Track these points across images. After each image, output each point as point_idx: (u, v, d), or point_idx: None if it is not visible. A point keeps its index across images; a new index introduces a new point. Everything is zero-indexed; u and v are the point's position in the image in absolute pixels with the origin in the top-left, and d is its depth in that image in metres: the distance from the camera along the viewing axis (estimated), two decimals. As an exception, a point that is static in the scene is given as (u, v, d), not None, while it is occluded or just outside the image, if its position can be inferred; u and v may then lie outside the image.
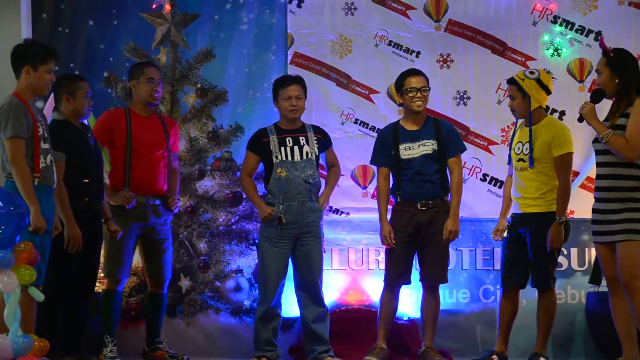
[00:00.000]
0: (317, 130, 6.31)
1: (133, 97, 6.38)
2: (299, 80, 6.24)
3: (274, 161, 6.11)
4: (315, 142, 6.22)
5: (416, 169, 6.07)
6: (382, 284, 6.18)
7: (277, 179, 6.09)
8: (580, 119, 5.40)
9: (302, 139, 6.18)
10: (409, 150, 6.10)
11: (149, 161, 6.20)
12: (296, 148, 6.14)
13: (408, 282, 6.18)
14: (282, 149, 6.13)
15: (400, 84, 6.17)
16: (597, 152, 5.41)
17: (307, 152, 6.15)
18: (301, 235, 6.11)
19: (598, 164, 5.41)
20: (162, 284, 6.33)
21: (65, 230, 5.60)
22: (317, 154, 6.21)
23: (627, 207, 5.23)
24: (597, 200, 5.40)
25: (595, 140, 5.38)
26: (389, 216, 6.17)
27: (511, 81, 6.04)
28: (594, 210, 5.41)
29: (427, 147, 6.09)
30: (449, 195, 6.13)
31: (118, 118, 6.20)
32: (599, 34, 7.12)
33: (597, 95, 5.40)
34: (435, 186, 6.08)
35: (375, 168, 6.39)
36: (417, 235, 6.07)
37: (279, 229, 6.08)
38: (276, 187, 6.10)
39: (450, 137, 6.17)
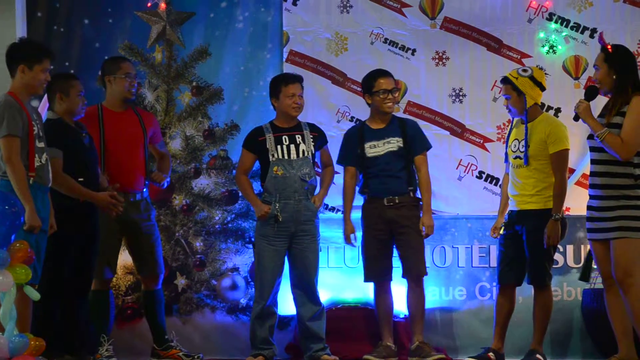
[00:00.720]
0: (313, 128, 6.33)
1: (107, 93, 6.27)
2: (300, 79, 6.28)
3: (271, 159, 6.11)
4: (312, 140, 6.24)
5: (381, 166, 6.15)
6: (367, 283, 6.31)
7: (274, 177, 6.10)
8: (576, 118, 5.38)
9: (299, 137, 6.19)
10: (374, 149, 6.20)
11: (125, 158, 6.14)
12: (292, 146, 6.15)
13: (389, 278, 6.24)
14: (279, 147, 6.13)
15: (369, 85, 6.22)
16: (592, 149, 5.39)
17: (303, 151, 6.16)
18: (297, 233, 6.12)
19: (593, 161, 5.39)
20: (156, 280, 6.27)
21: (97, 206, 5.73)
22: (313, 152, 6.23)
23: (621, 205, 5.21)
24: (591, 197, 5.39)
25: (590, 137, 5.36)
26: (359, 214, 6.28)
27: (505, 80, 6.04)
28: (589, 207, 5.40)
29: (392, 144, 6.18)
30: (418, 191, 6.20)
31: (90, 118, 6.06)
32: (594, 31, 7.10)
33: (591, 93, 5.39)
34: (400, 182, 6.16)
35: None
36: (391, 232, 6.15)
37: (275, 227, 6.08)
38: (273, 186, 6.10)
39: (416, 135, 6.26)
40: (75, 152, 5.76)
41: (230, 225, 7.04)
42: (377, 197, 6.18)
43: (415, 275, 6.21)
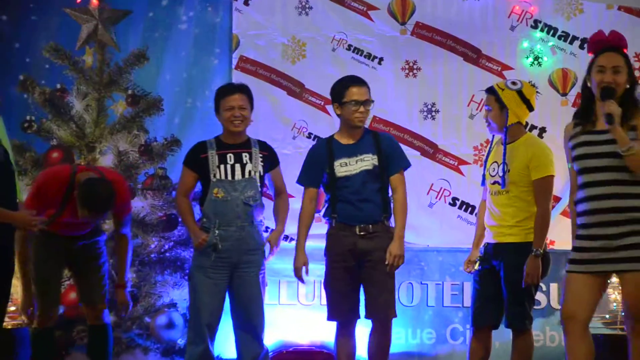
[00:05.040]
0: (263, 147, 5.89)
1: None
2: (243, 89, 5.82)
3: (212, 180, 5.69)
4: (260, 159, 5.80)
5: (354, 187, 5.63)
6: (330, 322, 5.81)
7: (213, 200, 5.66)
8: (610, 120, 4.66)
9: (246, 156, 5.75)
10: (346, 167, 5.66)
11: (78, 223, 5.66)
12: (237, 166, 5.72)
13: (357, 316, 5.74)
14: (222, 166, 5.71)
15: (339, 94, 5.69)
16: (593, 170, 4.77)
17: (249, 171, 5.72)
18: (240, 265, 5.67)
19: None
20: (100, 312, 5.84)
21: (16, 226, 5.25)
22: (261, 173, 5.79)
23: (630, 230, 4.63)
24: (585, 226, 4.84)
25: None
26: (323, 243, 5.81)
27: (490, 90, 5.72)
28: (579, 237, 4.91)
29: (366, 162, 5.64)
30: (392, 219, 5.74)
31: (59, 190, 5.54)
32: (584, 41, 6.97)
33: (608, 94, 4.74)
34: (375, 208, 5.63)
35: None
36: (360, 264, 5.64)
37: (213, 258, 5.62)
38: (212, 210, 5.65)
39: (392, 152, 5.75)
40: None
41: (167, 254, 6.73)
42: (348, 225, 5.65)
43: (382, 318, 5.68)
